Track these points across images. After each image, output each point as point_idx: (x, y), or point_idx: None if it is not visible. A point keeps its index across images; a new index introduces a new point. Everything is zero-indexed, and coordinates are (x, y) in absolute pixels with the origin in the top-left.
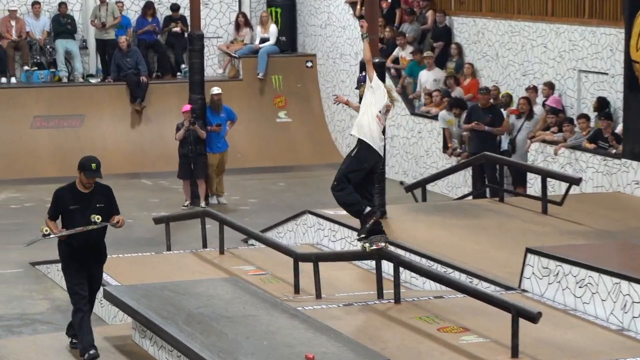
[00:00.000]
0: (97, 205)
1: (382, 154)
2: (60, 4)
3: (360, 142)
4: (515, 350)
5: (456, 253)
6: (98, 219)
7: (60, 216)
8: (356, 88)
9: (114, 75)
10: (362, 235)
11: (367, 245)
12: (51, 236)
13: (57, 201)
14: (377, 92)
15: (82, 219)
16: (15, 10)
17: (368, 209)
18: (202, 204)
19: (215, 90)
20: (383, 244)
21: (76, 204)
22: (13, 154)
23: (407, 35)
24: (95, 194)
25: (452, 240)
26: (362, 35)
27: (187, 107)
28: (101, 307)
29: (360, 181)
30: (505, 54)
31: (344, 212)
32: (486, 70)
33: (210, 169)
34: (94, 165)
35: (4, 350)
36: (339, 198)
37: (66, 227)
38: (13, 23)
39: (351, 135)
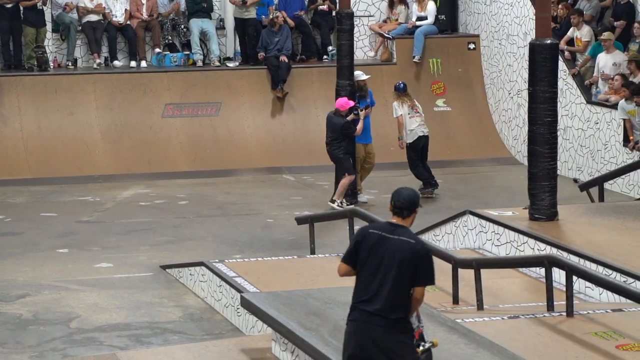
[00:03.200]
0: None
1: None
2: None
3: None
4: None
5: (638, 260)
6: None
7: None
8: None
9: (260, 55)
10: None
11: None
12: None
13: None
14: None
15: None
16: None
17: None
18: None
19: (362, 75)
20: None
21: None
22: (142, 145)
23: (584, 13)
24: None
25: (633, 246)
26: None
27: (346, 102)
28: (238, 316)
29: None
30: None
31: (509, 213)
32: None
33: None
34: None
35: None
36: None
37: None
38: (144, 1)
39: None
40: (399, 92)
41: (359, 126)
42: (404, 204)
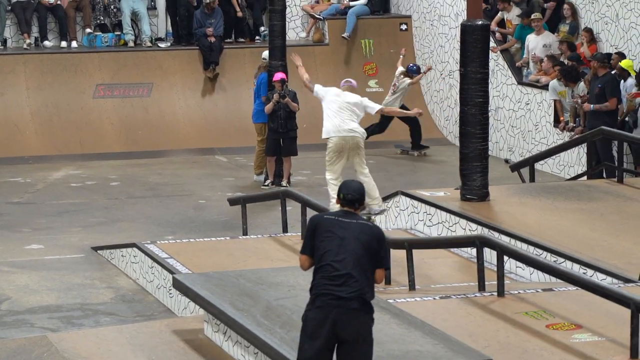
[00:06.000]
0: None
1: None
2: None
3: None
4: (635, 350)
5: (568, 240)
6: None
7: None
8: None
9: (197, 36)
10: None
11: None
12: None
13: None
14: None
15: None
16: None
17: None
18: (284, 183)
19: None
20: None
21: None
22: (73, 126)
23: None
24: None
25: (563, 226)
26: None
27: (279, 75)
28: (170, 298)
29: None
30: (627, 15)
31: (441, 194)
32: (604, 34)
33: None
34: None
35: (63, 344)
36: None
37: None
38: None
39: None
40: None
41: (269, 105)
42: (355, 196)
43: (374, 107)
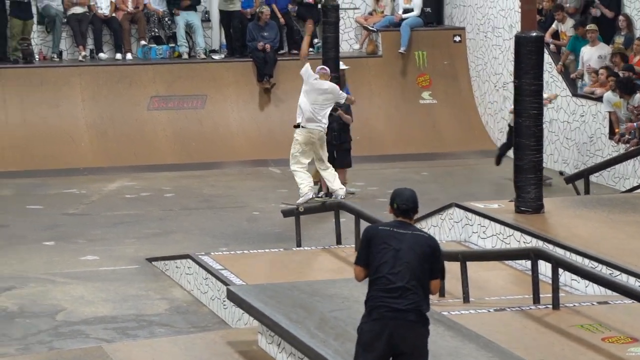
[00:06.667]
0: None
1: None
2: None
3: None
4: None
5: (623, 253)
6: None
7: None
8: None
9: (250, 49)
10: None
11: None
12: None
13: None
14: None
15: None
16: None
17: None
18: (321, 194)
19: (341, 65)
20: None
21: None
22: (128, 138)
23: (567, 6)
24: None
25: (619, 239)
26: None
27: None
28: (224, 309)
29: None
30: None
31: (495, 206)
32: None
33: None
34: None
35: (118, 355)
36: None
37: None
38: None
39: None
40: None
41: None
42: (409, 205)
43: (342, 97)
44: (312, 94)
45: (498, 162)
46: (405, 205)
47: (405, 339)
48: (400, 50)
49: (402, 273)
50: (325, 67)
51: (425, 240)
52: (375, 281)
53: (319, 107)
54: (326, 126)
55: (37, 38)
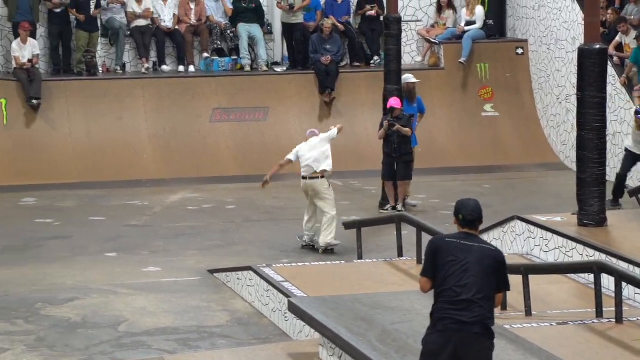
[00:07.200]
0: None
1: None
2: None
3: None
4: None
5: None
6: None
7: None
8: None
9: (313, 61)
10: None
11: None
12: None
13: None
14: None
15: None
16: None
17: None
18: (399, 207)
19: (411, 78)
20: None
21: None
22: (190, 150)
23: (631, 18)
24: None
25: None
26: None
27: (391, 102)
28: (285, 321)
29: None
30: None
31: (558, 219)
32: None
33: None
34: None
35: None
36: None
37: None
38: (192, 6)
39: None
40: None
41: (380, 132)
42: (475, 216)
43: (331, 134)
44: (305, 153)
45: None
46: (470, 216)
47: (470, 352)
48: (460, 60)
49: (469, 286)
50: (314, 130)
51: (492, 252)
52: (441, 293)
53: (313, 161)
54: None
55: (100, 50)
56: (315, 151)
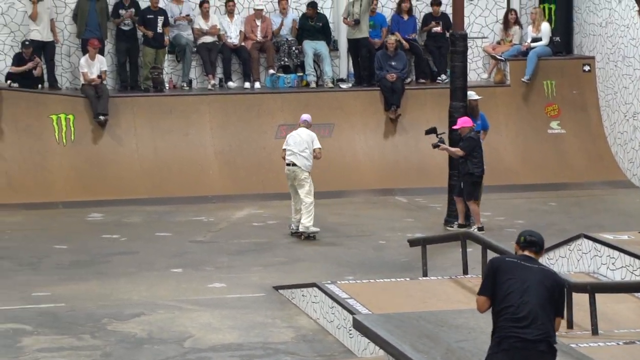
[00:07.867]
0: None
1: None
2: (309, 4)
3: None
4: None
5: None
6: None
7: None
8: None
9: (378, 77)
10: None
11: None
12: None
13: None
14: None
15: None
16: (262, 9)
17: None
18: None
19: (474, 95)
20: None
21: None
22: (256, 166)
23: None
24: None
25: None
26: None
27: (460, 122)
28: (350, 338)
29: None
30: None
31: (625, 237)
32: None
33: None
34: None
35: None
36: None
37: None
38: (258, 22)
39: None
40: None
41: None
42: (536, 237)
43: (316, 143)
44: (290, 140)
45: None
46: (531, 237)
47: None
48: (523, 79)
49: (530, 304)
50: (306, 119)
51: (552, 275)
52: (501, 311)
53: (297, 150)
54: (302, 165)
55: (167, 67)
56: (297, 146)
